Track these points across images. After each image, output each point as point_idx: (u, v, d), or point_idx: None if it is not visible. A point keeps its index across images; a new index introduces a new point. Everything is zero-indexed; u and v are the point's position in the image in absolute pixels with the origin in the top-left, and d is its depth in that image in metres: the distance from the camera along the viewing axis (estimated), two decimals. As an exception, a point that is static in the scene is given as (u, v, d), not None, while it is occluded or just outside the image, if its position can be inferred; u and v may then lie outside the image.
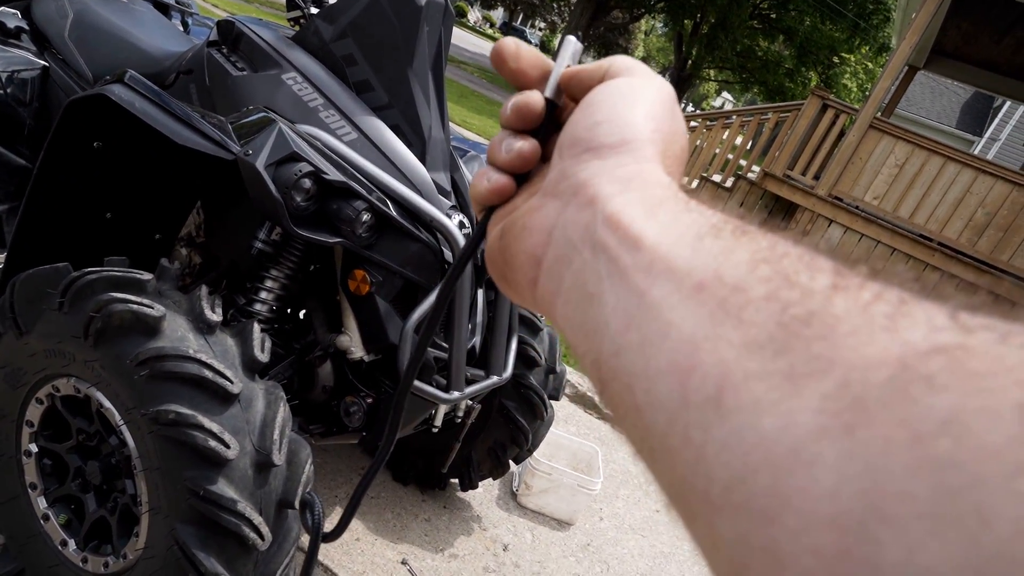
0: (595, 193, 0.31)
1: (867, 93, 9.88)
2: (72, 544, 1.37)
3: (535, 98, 0.39)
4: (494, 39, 44.81)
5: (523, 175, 0.39)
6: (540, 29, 58.09)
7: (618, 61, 0.38)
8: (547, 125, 0.39)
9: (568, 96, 0.40)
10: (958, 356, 0.18)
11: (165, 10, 2.44)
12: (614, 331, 0.27)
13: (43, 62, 1.92)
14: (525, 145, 0.38)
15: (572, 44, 0.41)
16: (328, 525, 1.81)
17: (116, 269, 1.25)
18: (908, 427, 0.17)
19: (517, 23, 54.25)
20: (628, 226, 0.28)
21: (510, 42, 0.41)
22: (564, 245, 0.31)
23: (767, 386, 0.20)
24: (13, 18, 1.91)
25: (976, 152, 11.75)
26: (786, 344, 0.20)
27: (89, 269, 1.24)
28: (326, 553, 1.88)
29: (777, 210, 6.98)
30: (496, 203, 0.39)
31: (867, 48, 19.92)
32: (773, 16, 21.20)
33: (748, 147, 7.67)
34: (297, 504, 1.25)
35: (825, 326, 0.20)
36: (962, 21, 7.16)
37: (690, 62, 23.66)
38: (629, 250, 0.28)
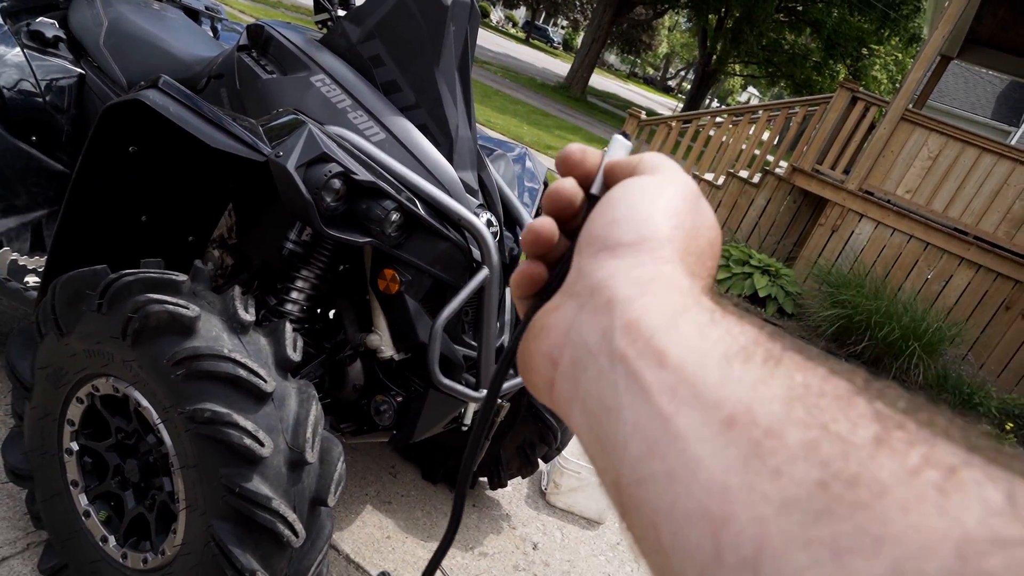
0: (611, 296, 0.30)
1: (898, 85, 9.68)
2: (112, 540, 1.40)
3: (567, 186, 0.37)
4: (517, 38, 44.81)
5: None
6: (563, 27, 57.96)
7: (647, 158, 0.37)
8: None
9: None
10: (1018, 557, 0.17)
11: (195, 16, 2.48)
12: (634, 456, 0.25)
13: (79, 70, 1.96)
14: (544, 222, 0.37)
15: (621, 143, 0.39)
16: (350, 524, 1.83)
17: (152, 271, 1.27)
18: None
19: (539, 22, 54.19)
20: (649, 337, 0.27)
21: (575, 149, 0.39)
22: (580, 348, 0.30)
23: (811, 558, 0.19)
24: (51, 28, 1.96)
25: (1013, 143, 11.44)
26: (828, 508, 0.19)
27: (126, 271, 1.27)
28: (357, 551, 1.90)
29: (806, 205, 6.88)
30: (528, 290, 0.38)
31: (897, 39, 19.51)
32: (800, 8, 20.88)
33: (775, 142, 7.57)
34: (330, 502, 1.26)
35: (871, 493, 0.19)
36: (998, 8, 6.98)
37: (715, 57, 23.41)
38: (651, 366, 0.26)
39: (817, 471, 0.20)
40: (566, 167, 0.39)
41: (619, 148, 0.39)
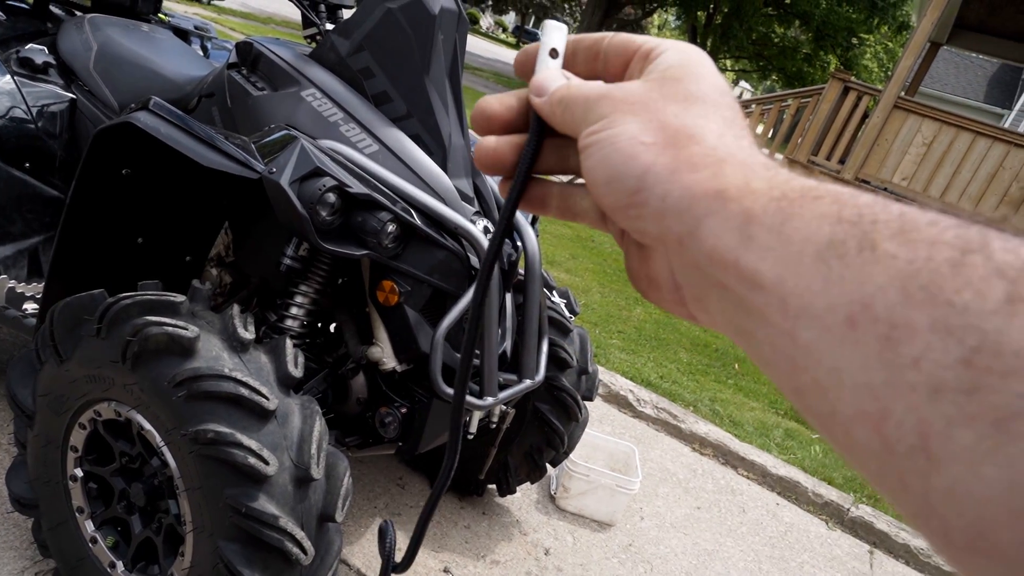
0: (676, 237, 0.29)
1: (889, 73, 9.69)
2: (120, 566, 1.40)
3: (487, 104, 0.38)
4: (508, 44, 44.90)
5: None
6: (552, 30, 57.92)
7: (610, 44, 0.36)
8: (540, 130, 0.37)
9: (609, 66, 0.37)
10: None
11: (185, 36, 2.48)
12: (783, 371, 0.25)
13: (70, 95, 1.96)
14: (493, 102, 0.38)
15: (554, 27, 0.38)
16: (360, 538, 1.82)
17: (150, 293, 1.27)
18: None
19: (529, 26, 54.28)
20: (736, 262, 0.26)
21: (480, 105, 0.39)
22: (693, 286, 0.30)
23: (975, 433, 0.19)
24: (41, 54, 1.96)
25: (1006, 125, 11.45)
26: (978, 383, 0.19)
27: (124, 294, 1.26)
28: (368, 564, 1.89)
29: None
30: (498, 168, 0.38)
31: (886, 27, 19.53)
32: (787, 1, 20.92)
33: (769, 135, 7.57)
34: (338, 518, 1.26)
35: (1018, 359, 0.19)
36: (985, -7, 6.99)
37: (706, 52, 23.44)
38: (752, 289, 0.26)
39: (957, 349, 0.20)
40: (486, 123, 0.39)
41: (553, 33, 0.38)
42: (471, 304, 0.39)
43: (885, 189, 6.16)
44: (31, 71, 1.92)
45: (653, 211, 0.30)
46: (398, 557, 0.58)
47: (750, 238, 0.26)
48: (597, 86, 0.34)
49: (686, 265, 0.30)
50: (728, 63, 26.92)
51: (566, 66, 0.38)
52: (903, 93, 6.27)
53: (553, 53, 0.38)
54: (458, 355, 1.53)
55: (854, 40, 20.51)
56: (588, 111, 0.33)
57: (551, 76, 0.37)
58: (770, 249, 0.25)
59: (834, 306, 0.23)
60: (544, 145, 0.37)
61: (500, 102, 0.38)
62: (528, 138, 0.36)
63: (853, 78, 6.60)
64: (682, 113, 0.31)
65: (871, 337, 0.22)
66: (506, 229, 0.38)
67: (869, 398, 0.22)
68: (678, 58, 0.34)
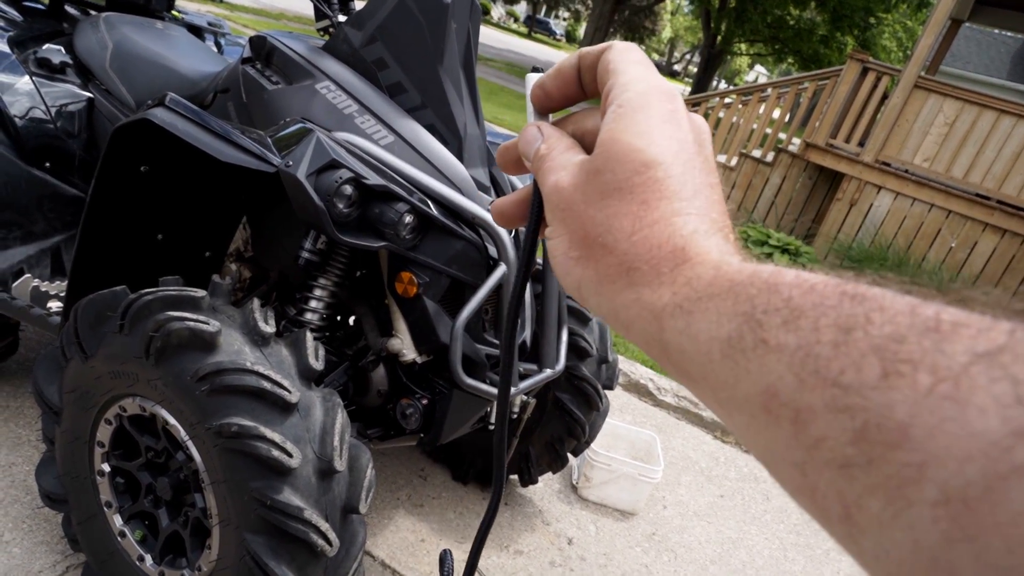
0: (624, 333, 0.33)
1: (909, 52, 9.49)
2: (149, 559, 1.41)
3: (501, 206, 0.42)
4: (519, 33, 44.68)
5: None
6: (564, 19, 57.72)
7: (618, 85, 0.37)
8: None
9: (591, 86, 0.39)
10: None
11: (198, 32, 2.49)
12: (741, 438, 0.29)
13: (88, 93, 1.98)
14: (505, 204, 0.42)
15: (533, 80, 0.41)
16: (383, 529, 1.83)
17: (171, 288, 1.27)
18: (1004, 529, 0.17)
19: (541, 15, 53.97)
20: (667, 364, 0.31)
21: (500, 152, 0.43)
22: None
23: (880, 502, 0.20)
24: (58, 54, 1.97)
25: (1031, 104, 11.18)
26: (872, 456, 0.21)
27: (145, 290, 1.27)
28: (392, 555, 1.90)
29: (822, 181, 6.78)
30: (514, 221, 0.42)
31: (905, 5, 19.16)
32: (803, -18, 20.57)
33: (787, 119, 7.46)
34: (362, 509, 1.26)
35: (898, 431, 0.20)
36: (1007, -33, 6.82)
37: (720, 38, 23.15)
38: (690, 383, 0.30)
39: (850, 426, 0.21)
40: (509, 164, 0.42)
41: (530, 84, 0.42)
42: (506, 317, 0.41)
43: (907, 171, 6.05)
44: (49, 71, 1.93)
45: (597, 314, 0.34)
46: None
47: (666, 344, 0.30)
48: (555, 168, 0.36)
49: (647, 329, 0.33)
50: (743, 47, 26.58)
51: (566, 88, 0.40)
52: (923, 72, 6.14)
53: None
54: (478, 345, 1.53)
55: (871, 20, 20.13)
56: (546, 201, 0.37)
57: (531, 134, 0.40)
58: (684, 352, 0.29)
59: (749, 396, 0.25)
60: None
61: (552, 77, 0.40)
62: (531, 205, 0.40)
63: (871, 58, 6.47)
64: (599, 216, 0.33)
65: (785, 421, 0.24)
66: (529, 262, 0.41)
67: (799, 475, 0.24)
68: (610, 124, 0.34)
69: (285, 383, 1.19)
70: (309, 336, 1.31)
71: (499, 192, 1.62)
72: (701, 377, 0.28)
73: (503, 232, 1.45)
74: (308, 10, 2.18)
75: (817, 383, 0.23)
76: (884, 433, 0.20)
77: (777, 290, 0.26)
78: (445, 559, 0.56)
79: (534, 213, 0.40)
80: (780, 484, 0.26)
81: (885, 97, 6.38)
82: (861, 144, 6.30)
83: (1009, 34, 16.90)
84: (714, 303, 0.28)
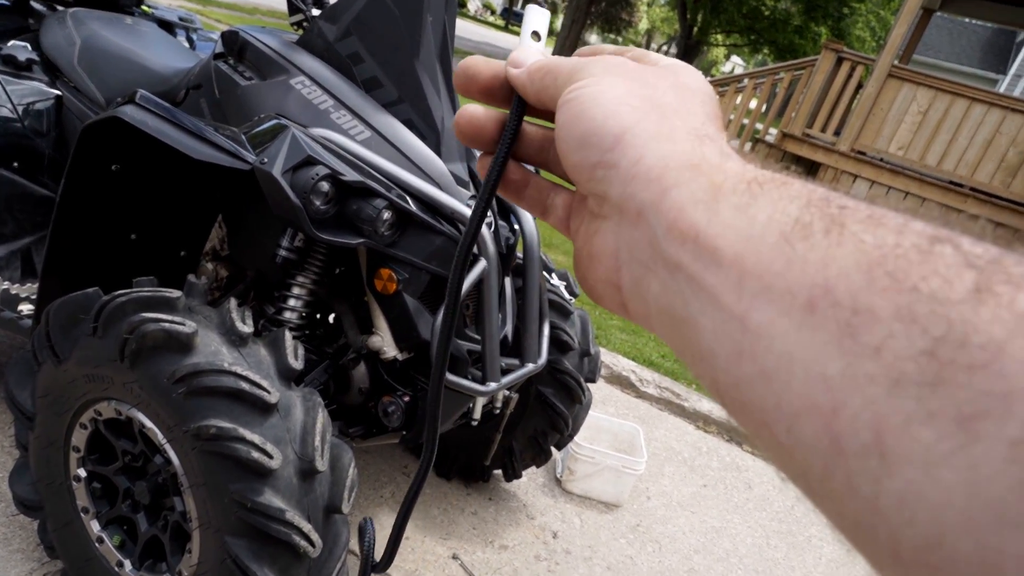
0: (637, 207, 0.28)
1: (882, 42, 9.60)
2: (128, 565, 1.39)
3: (471, 112, 0.37)
4: (496, 26, 44.53)
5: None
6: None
7: (578, 65, 0.35)
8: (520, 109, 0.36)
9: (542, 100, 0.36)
10: None
11: (170, 28, 2.45)
12: (724, 361, 0.24)
13: (56, 91, 1.93)
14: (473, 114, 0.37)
15: (533, 11, 0.38)
16: (376, 533, 1.82)
17: (145, 289, 1.25)
18: None
19: (518, 7, 53.78)
20: (695, 237, 0.25)
21: (465, 64, 0.38)
22: (635, 266, 0.29)
23: (936, 432, 0.17)
24: (23, 51, 1.92)
25: (1002, 90, 11.35)
26: (941, 376, 0.18)
27: (119, 292, 1.25)
28: (376, 554, 1.89)
29: (799, 171, 6.84)
30: (478, 142, 0.38)
31: (878, -5, 19.39)
32: (778, -27, 20.71)
33: (763, 110, 7.52)
34: (344, 509, 1.25)
35: (985, 352, 0.17)
36: (977, -43, 6.92)
37: (696, 29, 23.25)
38: (708, 266, 0.24)
39: (920, 340, 0.18)
40: (465, 82, 0.38)
41: (532, 21, 0.39)
42: (449, 279, 0.38)
43: (882, 159, 6.13)
44: (14, 68, 1.89)
45: (622, 173, 0.29)
46: (378, 556, 0.57)
47: (715, 213, 0.25)
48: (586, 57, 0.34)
49: (637, 241, 0.28)
50: (719, 37, 26.71)
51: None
52: (897, 61, 6.22)
53: (535, 36, 0.38)
54: (459, 341, 1.52)
55: (845, 9, 20.33)
56: (575, 71, 0.32)
57: (531, 52, 0.37)
58: (733, 226, 0.24)
59: (794, 288, 0.22)
60: (523, 131, 0.37)
61: (487, 64, 0.38)
62: (509, 114, 0.36)
63: (846, 48, 6.54)
64: (672, 93, 0.31)
65: (831, 322, 0.20)
66: (487, 204, 0.37)
67: (822, 389, 0.20)
68: (674, 62, 0.34)
69: (264, 383, 1.18)
70: (288, 335, 1.30)
71: (478, 187, 1.61)
72: (737, 259, 0.23)
73: (483, 228, 1.45)
74: (282, 5, 2.14)
75: (890, 285, 0.19)
76: (966, 352, 0.17)
77: (856, 197, 0.23)
78: (365, 530, 0.54)
79: (510, 130, 0.36)
80: (767, 402, 0.22)
81: (860, 86, 6.45)
82: (837, 133, 6.37)
83: (979, 23, 17.15)
84: (786, 189, 0.25)
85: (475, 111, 0.37)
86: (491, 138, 0.37)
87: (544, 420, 2.05)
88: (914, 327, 0.18)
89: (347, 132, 1.44)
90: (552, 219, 0.38)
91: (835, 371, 0.20)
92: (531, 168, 0.40)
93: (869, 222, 0.22)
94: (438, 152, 1.50)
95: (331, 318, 1.77)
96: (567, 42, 20.74)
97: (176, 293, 1.25)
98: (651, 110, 0.30)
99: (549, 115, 0.36)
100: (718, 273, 0.24)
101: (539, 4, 0.39)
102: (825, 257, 0.21)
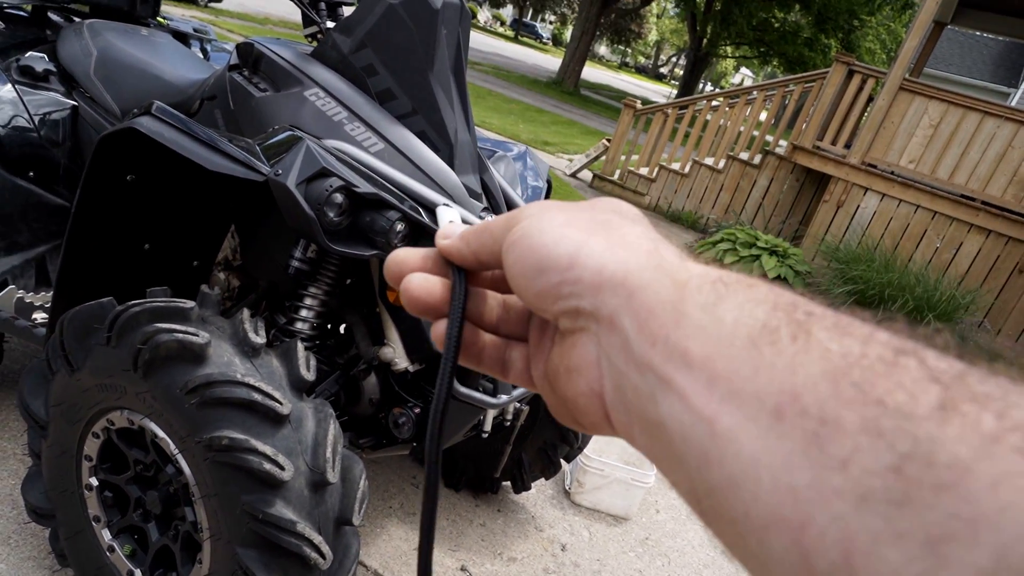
0: (609, 313, 0.28)
1: (893, 54, 9.60)
2: (139, 574, 1.39)
3: (402, 255, 0.38)
4: (506, 37, 44.75)
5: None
6: (551, 22, 57.90)
7: (512, 217, 0.35)
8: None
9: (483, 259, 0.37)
10: None
11: (184, 39, 2.47)
12: (694, 467, 0.23)
13: (72, 102, 1.95)
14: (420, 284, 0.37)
15: (445, 212, 0.42)
16: (376, 538, 1.81)
17: (159, 300, 1.26)
18: None
19: (527, 18, 54.09)
20: (665, 337, 0.25)
21: (393, 255, 0.38)
22: (614, 373, 0.28)
23: (904, 555, 0.17)
24: (41, 61, 1.95)
25: (1014, 104, 11.29)
26: (908, 495, 0.17)
27: (133, 302, 1.25)
28: (386, 565, 1.88)
29: (809, 183, 6.83)
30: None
31: (889, 8, 19.35)
32: (787, -15, 20.72)
33: (773, 122, 7.51)
34: (355, 521, 1.25)
35: (951, 472, 0.17)
36: (989, -29, 6.91)
37: (706, 41, 23.29)
38: (679, 368, 0.24)
39: (887, 455, 0.18)
40: (398, 271, 0.38)
41: (447, 215, 0.42)
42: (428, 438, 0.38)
43: (893, 173, 6.11)
44: (32, 79, 1.91)
45: (588, 285, 0.29)
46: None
47: (682, 314, 0.25)
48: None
49: (613, 347, 0.28)
50: (729, 49, 26.75)
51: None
52: (908, 75, 6.21)
53: (451, 223, 0.40)
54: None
55: (855, 22, 20.31)
56: (510, 219, 0.33)
57: (457, 224, 0.39)
58: (701, 328, 0.24)
59: (762, 394, 0.21)
60: (469, 298, 0.38)
61: (415, 252, 0.38)
62: (452, 286, 0.37)
63: (857, 61, 6.53)
64: (610, 214, 0.32)
65: (798, 431, 0.20)
66: (451, 376, 0.37)
67: (790, 501, 0.20)
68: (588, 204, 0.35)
69: (276, 394, 1.18)
70: (300, 346, 1.30)
71: (491, 199, 1.61)
72: (706, 360, 0.23)
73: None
74: (293, 14, 2.16)
75: (856, 397, 0.19)
76: (932, 471, 0.17)
77: (819, 303, 0.24)
78: None
79: (458, 301, 0.36)
80: (736, 511, 0.21)
81: (871, 99, 6.43)
82: (847, 146, 6.35)
83: (991, 36, 17.11)
84: (752, 291, 0.25)
85: (428, 278, 0.37)
86: (440, 300, 0.37)
87: (554, 432, 2.04)
88: (880, 442, 0.18)
89: (361, 144, 1.44)
90: (512, 375, 0.38)
91: (803, 482, 0.20)
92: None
93: (835, 330, 0.22)
94: (451, 164, 1.50)
95: (343, 329, 1.77)
96: (576, 53, 20.82)
97: (189, 304, 1.26)
98: (597, 228, 0.30)
99: (489, 282, 0.38)
100: (688, 374, 0.24)
101: (447, 205, 0.43)
102: (792, 364, 0.21)
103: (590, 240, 0.30)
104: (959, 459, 0.17)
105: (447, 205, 0.39)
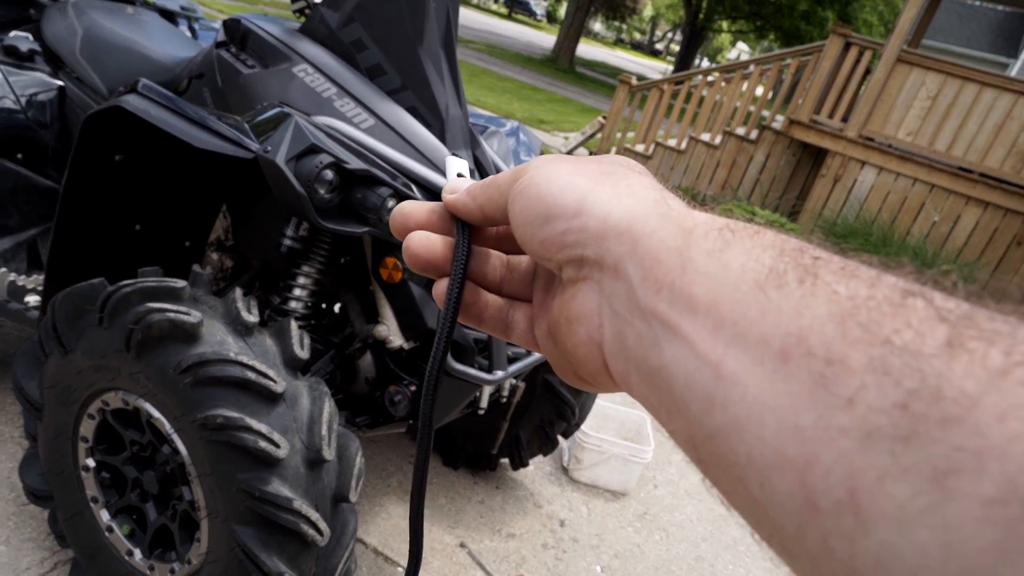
0: (614, 260, 0.28)
1: (890, 26, 9.50)
2: (138, 553, 1.40)
3: (409, 207, 0.38)
4: (499, 14, 44.25)
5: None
6: (544, 0, 57.22)
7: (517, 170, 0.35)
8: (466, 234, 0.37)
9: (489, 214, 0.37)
10: None
11: (171, 17, 2.43)
12: (696, 412, 0.23)
13: (58, 82, 1.92)
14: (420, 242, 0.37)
15: (454, 163, 0.40)
16: (375, 516, 1.82)
17: (150, 280, 1.25)
18: None
19: (522, -5, 53.44)
20: (671, 284, 0.25)
21: (400, 207, 0.39)
22: (615, 319, 0.28)
23: (910, 489, 0.17)
24: (25, 41, 1.92)
25: (1013, 75, 11.21)
26: (915, 430, 0.17)
27: (124, 282, 1.24)
28: (384, 542, 1.89)
29: (806, 157, 6.79)
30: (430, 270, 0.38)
31: (886, -21, 19.16)
32: (784, -42, 20.44)
33: (770, 96, 7.45)
34: (352, 498, 1.25)
35: (959, 407, 0.17)
36: (987, -61, 6.82)
37: (701, 15, 23.05)
38: (683, 313, 0.24)
39: (893, 392, 0.18)
40: (399, 230, 0.38)
41: (455, 166, 0.41)
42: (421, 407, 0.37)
43: (890, 146, 6.08)
44: (17, 59, 1.88)
45: (593, 232, 0.29)
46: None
47: (689, 259, 0.25)
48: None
49: (617, 292, 0.28)
50: (725, 24, 26.49)
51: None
52: (906, 46, 6.15)
53: (460, 177, 0.40)
54: (465, 330, 1.51)
55: (853, -6, 20.08)
56: (517, 172, 0.33)
57: (463, 180, 0.38)
58: (707, 273, 0.24)
59: (768, 336, 0.21)
60: (473, 257, 0.38)
61: (421, 205, 0.38)
62: (456, 241, 0.37)
63: (854, 33, 6.46)
64: (615, 166, 0.32)
65: (804, 373, 0.20)
66: (450, 331, 0.37)
67: (795, 441, 0.20)
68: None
69: (270, 373, 1.17)
70: (294, 325, 1.29)
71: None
72: (712, 305, 0.23)
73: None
74: (283, -8, 2.12)
75: (862, 337, 0.19)
76: (939, 406, 0.17)
77: (827, 248, 0.24)
78: None
79: (461, 257, 0.36)
80: (740, 454, 0.21)
81: (868, 72, 6.38)
82: (844, 119, 6.31)
83: (989, 6, 16.95)
84: (759, 237, 0.25)
85: (429, 236, 0.37)
86: (443, 259, 0.37)
87: (551, 409, 2.04)
88: (887, 379, 0.18)
89: (351, 120, 1.43)
90: (515, 335, 0.38)
91: (808, 422, 0.19)
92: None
93: (842, 273, 0.22)
94: (443, 139, 1.49)
95: (337, 308, 1.76)
96: (571, 30, 20.61)
97: (181, 283, 1.25)
98: (603, 177, 0.30)
99: (494, 239, 0.39)
100: (694, 320, 0.24)
101: (457, 155, 0.41)
102: (799, 306, 0.21)
103: (596, 188, 0.30)
104: (966, 393, 0.17)
105: (456, 155, 0.39)
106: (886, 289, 0.21)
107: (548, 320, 0.34)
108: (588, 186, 0.30)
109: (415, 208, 0.38)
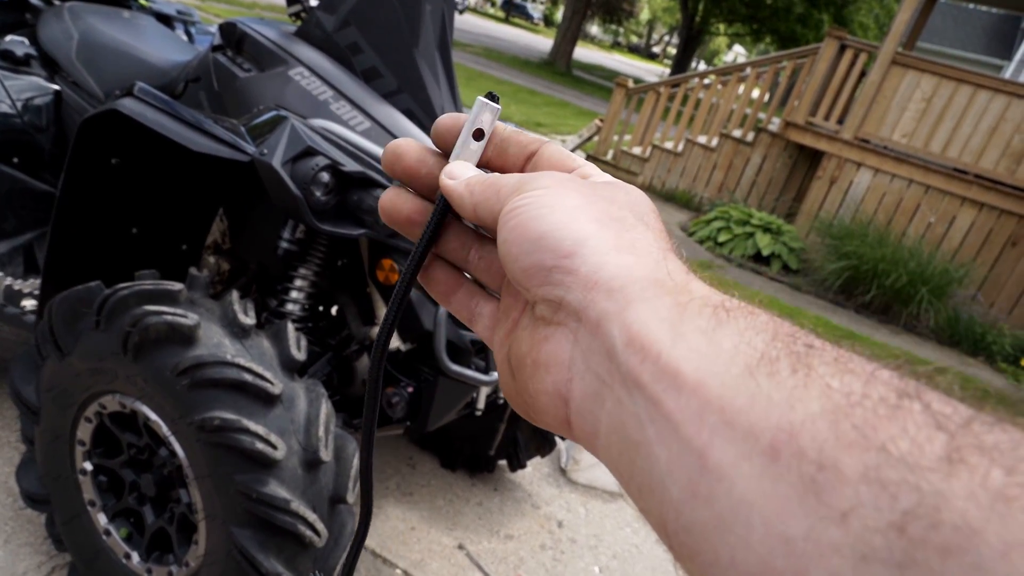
0: (597, 315, 0.26)
1: (886, 29, 9.56)
2: (135, 557, 1.40)
3: (405, 145, 0.36)
4: (496, 18, 44.34)
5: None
6: (541, 3, 57.37)
7: (544, 151, 0.34)
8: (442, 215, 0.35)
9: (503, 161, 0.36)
10: None
11: (167, 21, 2.44)
12: (678, 499, 0.21)
13: (55, 86, 1.93)
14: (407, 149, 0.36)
15: (485, 105, 0.35)
16: (373, 518, 1.82)
17: (147, 283, 1.25)
18: None
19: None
20: (658, 355, 0.23)
21: (394, 143, 0.37)
22: (591, 380, 0.26)
23: None
24: (21, 46, 1.92)
25: (1007, 76, 11.25)
26: (912, 558, 0.16)
27: (121, 285, 1.25)
28: (383, 544, 1.89)
29: (803, 159, 6.81)
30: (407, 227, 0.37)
31: (881, -18, 19.24)
32: (780, -39, 20.53)
33: (766, 99, 7.48)
34: (349, 499, 1.25)
35: (959, 535, 0.16)
36: (981, -58, 6.85)
37: (698, 18, 23.12)
38: (668, 389, 0.23)
39: (890, 510, 0.17)
40: (390, 165, 0.36)
41: (485, 112, 0.35)
42: (371, 363, 0.37)
43: (885, 147, 6.10)
44: (13, 64, 1.88)
45: (582, 280, 0.27)
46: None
47: (679, 335, 0.24)
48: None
49: (595, 351, 0.26)
50: (721, 27, 26.57)
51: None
52: (900, 48, 6.18)
53: (478, 135, 0.35)
54: (461, 331, 1.52)
55: (848, -3, 20.15)
56: (523, 183, 0.31)
57: (467, 165, 0.35)
58: (696, 351, 0.23)
59: (757, 428, 0.20)
60: (449, 227, 0.36)
61: (418, 152, 0.36)
62: (432, 213, 0.35)
63: (849, 36, 6.49)
64: (626, 209, 0.30)
65: (794, 475, 0.19)
66: (403, 298, 0.36)
67: (783, 553, 0.18)
68: (617, 180, 0.33)
69: (267, 375, 1.18)
70: (291, 327, 1.30)
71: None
72: (699, 385, 0.22)
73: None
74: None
75: (857, 441, 0.18)
76: (939, 533, 0.16)
77: (818, 336, 0.23)
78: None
79: (430, 229, 0.35)
80: (721, 556, 0.20)
81: (863, 74, 6.41)
82: (840, 122, 6.33)
83: (984, 9, 17.03)
84: (753, 319, 0.24)
85: (404, 197, 0.36)
86: (419, 226, 0.36)
87: (548, 410, 2.04)
88: (883, 495, 0.17)
89: (347, 123, 1.43)
90: (478, 327, 0.37)
91: (798, 533, 0.18)
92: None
93: (836, 366, 0.21)
94: (438, 142, 1.49)
95: (334, 310, 1.77)
96: (568, 33, 20.66)
97: (178, 286, 1.25)
98: (609, 222, 0.29)
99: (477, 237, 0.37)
100: (678, 398, 0.22)
101: (492, 100, 0.35)
102: (791, 398, 0.20)
103: (599, 233, 0.28)
104: (967, 520, 0.16)
105: (489, 101, 0.33)
106: (882, 388, 0.19)
107: (511, 350, 0.32)
108: (590, 229, 0.28)
109: (409, 149, 0.36)
